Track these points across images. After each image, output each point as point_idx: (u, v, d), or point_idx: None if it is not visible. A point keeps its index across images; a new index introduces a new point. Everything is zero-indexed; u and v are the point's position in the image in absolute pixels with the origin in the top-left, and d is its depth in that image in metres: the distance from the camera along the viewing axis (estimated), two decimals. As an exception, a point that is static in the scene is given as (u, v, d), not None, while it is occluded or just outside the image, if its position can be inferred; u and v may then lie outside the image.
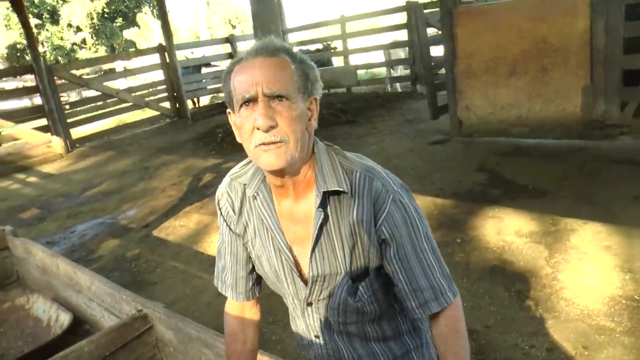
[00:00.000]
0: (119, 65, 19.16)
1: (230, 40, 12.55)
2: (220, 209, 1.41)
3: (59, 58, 26.87)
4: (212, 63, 13.25)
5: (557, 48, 5.52)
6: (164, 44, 11.17)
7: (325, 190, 1.21)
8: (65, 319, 2.72)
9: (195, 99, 13.13)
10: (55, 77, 9.86)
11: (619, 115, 5.38)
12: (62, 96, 10.95)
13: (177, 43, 12.09)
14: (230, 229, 1.41)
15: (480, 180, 5.09)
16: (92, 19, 27.91)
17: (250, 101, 1.15)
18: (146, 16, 27.41)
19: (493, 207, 4.42)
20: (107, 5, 28.49)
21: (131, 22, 28.78)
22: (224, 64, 12.23)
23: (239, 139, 1.23)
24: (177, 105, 11.43)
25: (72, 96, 16.40)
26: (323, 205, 1.23)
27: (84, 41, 28.41)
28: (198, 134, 9.71)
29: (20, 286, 3.48)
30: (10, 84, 17.37)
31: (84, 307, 2.81)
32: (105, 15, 28.89)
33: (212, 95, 13.49)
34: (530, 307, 3.07)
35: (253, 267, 1.43)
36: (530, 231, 3.92)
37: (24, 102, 15.48)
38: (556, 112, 5.72)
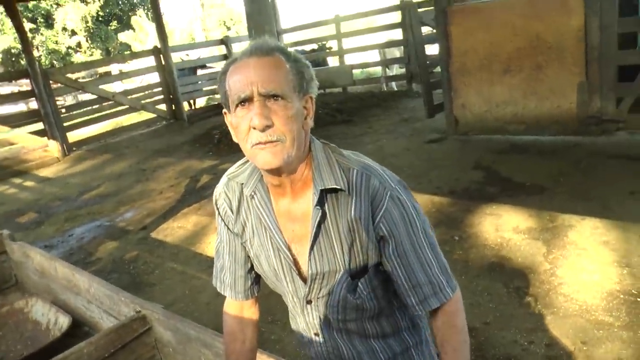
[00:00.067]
0: (114, 68, 19.12)
1: (225, 41, 12.54)
2: (218, 209, 1.41)
3: (54, 62, 26.79)
4: (208, 65, 13.24)
5: (551, 45, 5.53)
6: (159, 46, 11.17)
7: (323, 188, 1.21)
8: (64, 321, 2.72)
9: (191, 101, 13.14)
10: (50, 81, 9.87)
11: (614, 111, 5.40)
12: (58, 100, 10.96)
13: (172, 45, 12.07)
14: (228, 228, 1.41)
15: (477, 177, 5.10)
16: (86, 22, 27.85)
17: (245, 101, 1.15)
18: (141, 19, 27.37)
19: (490, 205, 4.43)
20: (101, 8, 28.44)
21: (126, 25, 28.73)
22: (219, 66, 12.21)
23: (235, 139, 1.23)
24: (173, 108, 11.42)
25: (68, 100, 16.39)
26: (321, 203, 1.23)
27: (79, 45, 28.35)
28: (194, 135, 9.71)
29: (18, 290, 3.47)
30: (5, 89, 17.31)
31: (82, 310, 2.81)
32: (100, 19, 28.84)
33: (208, 96, 13.48)
34: (529, 303, 3.08)
35: (252, 266, 1.43)
36: (528, 228, 3.93)
37: (20, 107, 15.44)
38: (552, 109, 5.74)
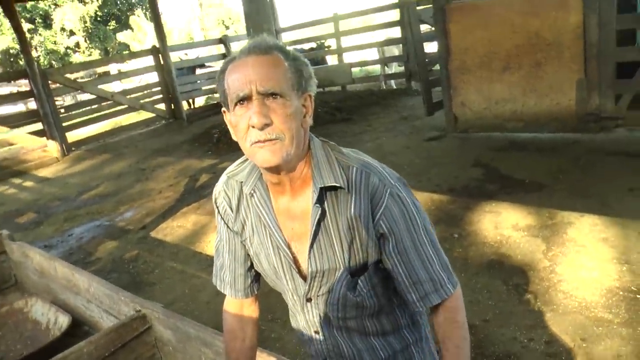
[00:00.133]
0: (113, 68, 19.12)
1: (223, 40, 12.54)
2: (217, 207, 1.41)
3: (53, 62, 26.78)
4: (207, 64, 13.24)
5: (550, 42, 5.53)
6: (157, 46, 11.16)
7: (322, 186, 1.21)
8: (64, 321, 2.72)
9: (190, 100, 13.13)
10: (49, 81, 9.86)
11: (613, 108, 5.40)
12: (56, 100, 10.94)
13: (170, 45, 12.07)
14: (228, 227, 1.41)
15: (477, 175, 5.10)
16: (85, 22, 27.84)
17: (244, 99, 1.14)
18: (139, 19, 27.37)
19: (490, 202, 4.43)
20: (99, 8, 28.43)
21: (124, 24, 28.73)
22: (218, 65, 12.18)
23: (234, 138, 1.23)
24: (172, 107, 11.42)
25: (67, 100, 16.39)
26: (320, 201, 1.23)
27: (77, 45, 28.34)
28: (194, 135, 9.71)
29: (18, 290, 3.47)
30: (4, 89, 17.31)
31: (82, 309, 2.81)
32: (98, 19, 28.83)
33: (207, 96, 13.48)
34: (529, 300, 3.08)
35: (251, 264, 1.43)
36: (528, 225, 3.94)
37: (19, 107, 15.43)
38: (551, 106, 5.74)
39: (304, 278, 1.31)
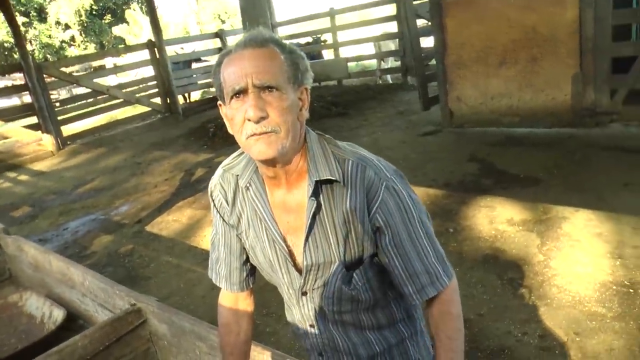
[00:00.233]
0: (108, 61, 18.99)
1: (219, 35, 12.51)
2: (213, 201, 1.41)
3: (48, 56, 26.63)
4: (202, 58, 13.19)
5: (546, 37, 5.54)
6: (153, 39, 11.12)
7: (318, 179, 1.21)
8: (58, 315, 2.71)
9: (186, 94, 13.09)
10: (44, 75, 9.82)
11: (609, 103, 5.41)
12: (52, 94, 10.92)
13: (166, 39, 12.01)
14: (223, 220, 1.41)
15: (472, 170, 5.11)
16: (80, 16, 27.65)
17: (240, 93, 1.14)
18: (135, 12, 27.21)
19: (485, 197, 4.44)
20: (95, 2, 28.21)
21: (120, 18, 28.55)
22: (214, 59, 12.11)
23: (230, 131, 1.23)
24: (168, 101, 11.39)
25: (62, 94, 16.29)
26: (315, 194, 1.23)
27: (72, 38, 28.16)
28: (189, 129, 9.69)
29: (12, 284, 3.46)
30: (-2, 83, 17.26)
31: (77, 303, 2.81)
32: (94, 12, 28.62)
33: (203, 90, 13.44)
34: (523, 294, 3.09)
35: (247, 257, 1.43)
36: (522, 219, 3.95)
37: (14, 101, 15.36)
38: (546, 101, 5.75)
39: (300, 271, 1.31)
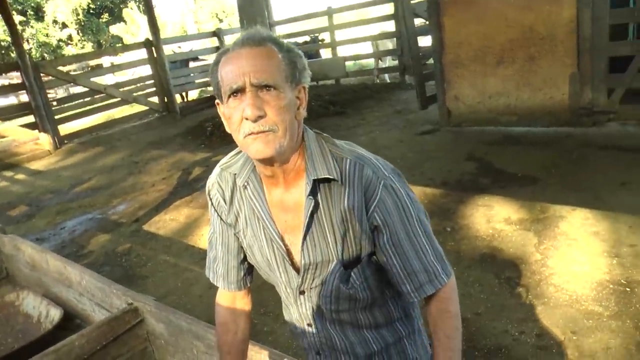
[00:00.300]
0: (106, 60, 18.98)
1: (217, 34, 12.49)
2: (211, 199, 1.41)
3: (45, 55, 26.57)
4: (200, 57, 13.17)
5: (544, 37, 5.55)
6: (151, 38, 11.09)
7: (316, 178, 1.21)
8: (55, 314, 2.71)
9: (184, 93, 13.07)
10: (41, 74, 9.79)
11: (606, 102, 5.42)
12: (49, 93, 10.88)
13: (164, 37, 11.98)
14: (221, 219, 1.40)
15: (470, 169, 5.11)
16: (77, 15, 27.61)
17: (238, 92, 1.14)
18: (132, 11, 27.18)
19: (482, 196, 4.44)
20: (92, 0, 28.19)
21: (117, 17, 28.51)
22: (211, 58, 12.14)
23: (228, 130, 1.22)
24: (166, 100, 11.37)
25: (59, 92, 16.26)
26: (313, 193, 1.22)
27: (70, 37, 28.11)
28: (187, 128, 9.68)
29: (9, 283, 3.46)
30: (-5, 82, 17.20)
31: (74, 302, 2.80)
32: (91, 11, 28.58)
33: (200, 89, 13.42)
34: (520, 293, 3.10)
35: (244, 257, 1.43)
36: (520, 218, 3.95)
37: (10, 100, 15.32)
38: (544, 100, 5.76)
39: (297, 270, 1.31)
